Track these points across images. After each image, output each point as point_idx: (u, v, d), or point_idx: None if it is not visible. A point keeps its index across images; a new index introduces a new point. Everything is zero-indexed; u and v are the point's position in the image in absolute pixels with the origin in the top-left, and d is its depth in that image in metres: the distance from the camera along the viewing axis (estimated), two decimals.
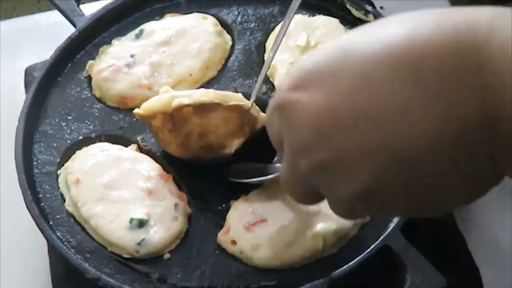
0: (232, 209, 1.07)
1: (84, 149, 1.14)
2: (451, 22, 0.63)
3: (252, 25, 1.24)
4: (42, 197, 1.10)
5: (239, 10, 1.26)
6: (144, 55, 1.20)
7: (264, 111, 1.14)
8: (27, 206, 1.07)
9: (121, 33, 1.25)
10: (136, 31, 1.23)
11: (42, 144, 1.15)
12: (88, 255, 1.04)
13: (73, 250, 1.05)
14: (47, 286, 1.12)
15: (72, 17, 1.25)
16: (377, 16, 1.19)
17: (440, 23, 0.63)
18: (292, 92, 0.68)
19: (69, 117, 1.18)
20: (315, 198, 0.77)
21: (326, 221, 1.02)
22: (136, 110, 1.07)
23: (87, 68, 1.22)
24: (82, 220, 1.07)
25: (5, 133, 1.21)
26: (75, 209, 1.08)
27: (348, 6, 1.21)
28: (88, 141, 1.15)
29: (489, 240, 1.13)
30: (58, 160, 1.13)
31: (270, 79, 1.17)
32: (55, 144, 1.15)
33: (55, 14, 1.27)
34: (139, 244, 1.03)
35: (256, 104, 1.09)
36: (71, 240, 1.06)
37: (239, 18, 1.25)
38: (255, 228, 1.03)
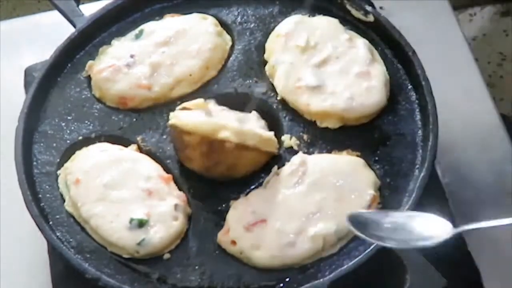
0: (232, 209, 1.07)
1: (84, 149, 1.14)
2: None
3: (252, 25, 1.24)
4: (42, 197, 1.10)
5: (239, 10, 1.26)
6: (144, 55, 1.20)
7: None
8: (27, 206, 1.07)
9: (121, 33, 1.25)
10: (136, 31, 1.23)
11: (42, 144, 1.15)
12: (88, 255, 1.05)
13: (73, 250, 1.05)
14: (47, 286, 1.12)
15: (72, 17, 1.25)
16: (377, 16, 1.19)
17: None
18: None
19: (69, 117, 1.17)
20: None
21: (326, 221, 1.03)
22: (173, 122, 1.07)
23: (87, 68, 1.21)
24: (82, 220, 1.07)
25: (5, 133, 1.21)
26: (75, 209, 1.08)
27: (348, 6, 1.21)
28: (88, 141, 1.15)
29: (489, 240, 1.13)
30: (58, 160, 1.13)
31: (270, 79, 1.17)
32: (55, 144, 1.15)
33: (55, 14, 1.27)
34: (139, 244, 1.03)
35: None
36: (71, 240, 1.06)
37: (239, 18, 1.25)
38: (255, 228, 1.03)
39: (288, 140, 1.12)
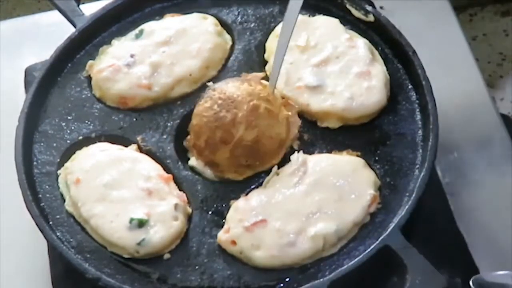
0: (232, 209, 1.07)
1: (84, 149, 1.14)
2: None
3: (252, 25, 1.24)
4: (42, 197, 1.10)
5: (239, 10, 1.26)
6: (144, 55, 1.20)
7: None
8: (27, 206, 1.07)
9: (121, 33, 1.25)
10: (136, 31, 1.23)
11: (42, 144, 1.15)
12: (88, 255, 1.05)
13: (73, 250, 1.05)
14: (47, 286, 1.12)
15: (72, 17, 1.24)
16: (377, 16, 1.19)
17: None
18: None
19: (69, 117, 1.17)
20: None
21: (326, 221, 1.02)
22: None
23: (87, 68, 1.21)
24: (82, 220, 1.07)
25: (5, 133, 1.21)
26: (75, 209, 1.08)
27: (348, 6, 1.21)
28: (88, 141, 1.15)
29: (489, 240, 1.13)
30: (58, 160, 1.13)
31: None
32: (55, 144, 1.15)
33: (55, 14, 1.27)
34: (139, 244, 1.03)
35: None
36: (71, 240, 1.06)
37: (239, 18, 1.25)
38: (255, 228, 1.03)
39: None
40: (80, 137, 1.15)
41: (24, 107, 1.16)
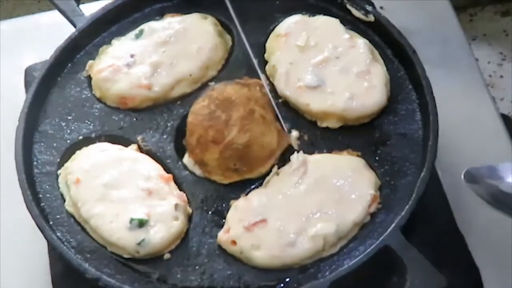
0: (232, 209, 1.07)
1: (84, 149, 1.14)
2: None
3: (252, 25, 1.24)
4: (42, 197, 1.10)
5: (239, 10, 1.26)
6: (144, 55, 1.20)
7: None
8: (27, 206, 1.07)
9: (121, 33, 1.25)
10: (136, 31, 1.23)
11: (42, 144, 1.15)
12: (88, 255, 1.05)
13: (73, 250, 1.05)
14: (47, 286, 1.12)
15: (72, 17, 1.24)
16: (377, 16, 1.19)
17: None
18: None
19: (69, 117, 1.17)
20: None
21: (326, 221, 1.02)
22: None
23: (87, 68, 1.21)
24: (82, 220, 1.07)
25: (5, 133, 1.21)
26: (75, 209, 1.08)
27: (348, 6, 1.21)
28: (88, 141, 1.15)
29: (489, 240, 1.13)
30: (58, 160, 1.13)
31: (270, 79, 1.17)
32: (55, 144, 1.15)
33: (55, 14, 1.27)
34: (139, 244, 1.03)
35: None
36: (71, 240, 1.06)
37: (239, 18, 1.25)
38: (255, 228, 1.03)
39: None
40: (80, 137, 1.15)
41: (24, 107, 1.16)
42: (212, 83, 1.14)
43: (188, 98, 1.17)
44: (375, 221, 1.04)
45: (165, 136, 1.14)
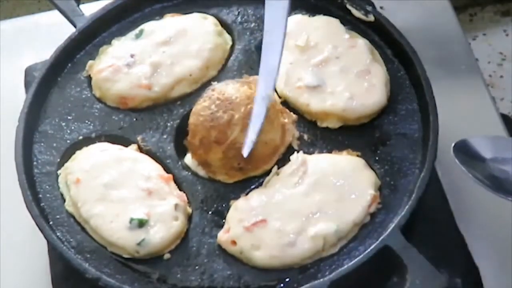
0: (232, 209, 1.07)
1: (84, 149, 1.14)
2: None
3: (252, 25, 1.24)
4: (42, 197, 1.10)
5: (239, 10, 1.26)
6: (144, 55, 1.20)
7: None
8: (27, 206, 1.07)
9: (121, 33, 1.25)
10: (136, 31, 1.23)
11: (42, 144, 1.15)
12: (88, 255, 1.05)
13: (73, 250, 1.05)
14: (47, 286, 1.12)
15: (72, 17, 1.24)
16: (377, 16, 1.19)
17: None
18: None
19: (69, 117, 1.17)
20: None
21: (326, 221, 1.02)
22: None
23: (87, 68, 1.21)
24: (82, 220, 1.07)
25: (5, 133, 1.21)
26: (75, 209, 1.08)
27: (348, 6, 1.21)
28: (88, 141, 1.15)
29: (489, 240, 1.13)
30: (58, 160, 1.13)
31: None
32: (55, 144, 1.15)
33: (55, 14, 1.27)
34: (139, 244, 1.03)
35: None
36: (71, 240, 1.06)
37: (239, 18, 1.25)
38: (255, 228, 1.03)
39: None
40: (80, 137, 1.15)
41: (24, 107, 1.16)
42: (214, 83, 1.14)
43: (188, 98, 1.17)
44: (375, 221, 1.04)
45: (165, 136, 1.14)
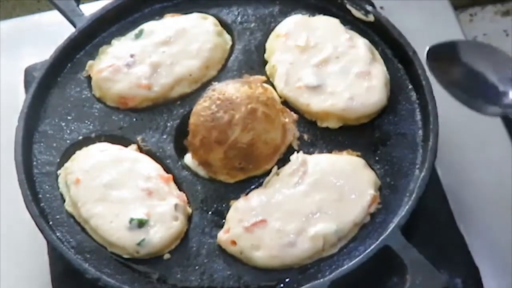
0: (232, 209, 1.07)
1: (84, 149, 1.14)
2: None
3: (252, 25, 1.24)
4: (42, 197, 1.10)
5: (239, 10, 1.26)
6: (144, 55, 1.20)
7: None
8: (27, 206, 1.07)
9: (121, 33, 1.25)
10: (136, 31, 1.23)
11: (42, 144, 1.15)
12: (88, 255, 1.05)
13: (73, 250, 1.05)
14: (47, 286, 1.12)
15: (72, 17, 1.25)
16: (377, 16, 1.19)
17: None
18: None
19: (69, 117, 1.17)
20: None
21: (326, 221, 1.02)
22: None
23: (87, 68, 1.21)
24: (82, 220, 1.07)
25: (5, 133, 1.21)
26: (75, 209, 1.08)
27: (348, 6, 1.21)
28: (88, 141, 1.15)
29: (489, 240, 1.13)
30: (58, 160, 1.13)
31: (270, 79, 1.17)
32: (55, 144, 1.15)
33: (55, 14, 1.27)
34: (139, 244, 1.03)
35: None
36: (71, 240, 1.06)
37: (239, 18, 1.25)
38: (255, 228, 1.03)
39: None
40: (80, 137, 1.15)
41: (24, 107, 1.16)
42: (216, 83, 1.14)
43: (188, 98, 1.17)
44: (375, 221, 1.04)
45: (165, 136, 1.14)
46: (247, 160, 1.08)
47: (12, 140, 1.12)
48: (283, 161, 1.10)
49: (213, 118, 1.07)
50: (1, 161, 1.23)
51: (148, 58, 1.19)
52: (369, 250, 0.99)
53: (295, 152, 1.10)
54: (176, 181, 1.10)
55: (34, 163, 1.13)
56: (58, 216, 1.08)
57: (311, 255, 1.02)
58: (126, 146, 1.14)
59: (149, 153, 1.13)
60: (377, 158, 1.09)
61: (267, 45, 1.21)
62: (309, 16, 1.22)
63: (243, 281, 1.02)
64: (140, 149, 1.14)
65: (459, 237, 1.10)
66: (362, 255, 0.99)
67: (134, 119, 1.17)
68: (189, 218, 1.08)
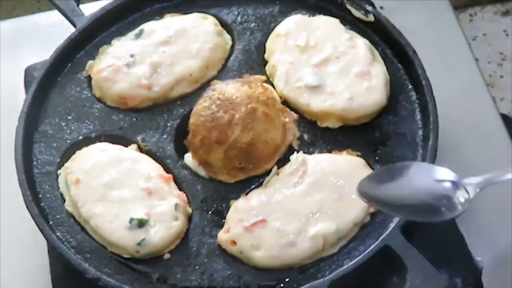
0: (232, 209, 1.07)
1: (84, 149, 1.14)
2: None
3: (252, 25, 1.24)
4: (42, 197, 1.10)
5: (239, 10, 1.26)
6: (144, 55, 1.20)
7: None
8: (27, 206, 1.07)
9: (121, 33, 1.25)
10: (136, 31, 1.23)
11: (42, 144, 1.15)
12: (88, 255, 1.05)
13: (73, 250, 1.05)
14: (47, 286, 1.12)
15: (72, 17, 1.25)
16: (377, 16, 1.19)
17: None
18: None
19: (69, 117, 1.17)
20: None
21: (326, 221, 1.02)
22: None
23: (87, 68, 1.21)
24: (82, 220, 1.07)
25: (5, 133, 1.21)
26: (75, 209, 1.08)
27: (348, 6, 1.21)
28: (88, 141, 1.15)
29: (489, 240, 1.13)
30: (58, 160, 1.13)
31: (270, 79, 1.17)
32: (55, 144, 1.15)
33: (55, 14, 1.27)
34: (139, 244, 1.03)
35: None
36: (71, 240, 1.06)
37: (239, 18, 1.25)
38: (255, 228, 1.03)
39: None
40: (80, 137, 1.15)
41: (24, 107, 1.16)
42: (216, 81, 1.14)
43: (188, 98, 1.17)
44: (375, 221, 1.04)
45: (165, 136, 1.14)
46: (247, 160, 1.08)
47: (12, 140, 1.12)
48: (283, 161, 1.10)
49: (213, 118, 1.07)
50: (1, 161, 1.23)
51: (148, 58, 1.19)
52: (369, 250, 0.99)
53: (295, 152, 1.10)
54: (176, 181, 1.10)
55: (34, 163, 1.13)
56: (58, 216, 1.08)
57: (311, 255, 1.02)
58: (126, 146, 1.14)
59: (149, 153, 1.13)
60: (377, 158, 1.09)
61: (267, 45, 1.21)
62: (309, 16, 1.22)
63: (243, 281, 1.02)
64: (140, 149, 1.14)
65: (459, 237, 1.10)
66: (362, 255, 0.99)
67: (134, 119, 1.17)
68: (189, 218, 1.08)
